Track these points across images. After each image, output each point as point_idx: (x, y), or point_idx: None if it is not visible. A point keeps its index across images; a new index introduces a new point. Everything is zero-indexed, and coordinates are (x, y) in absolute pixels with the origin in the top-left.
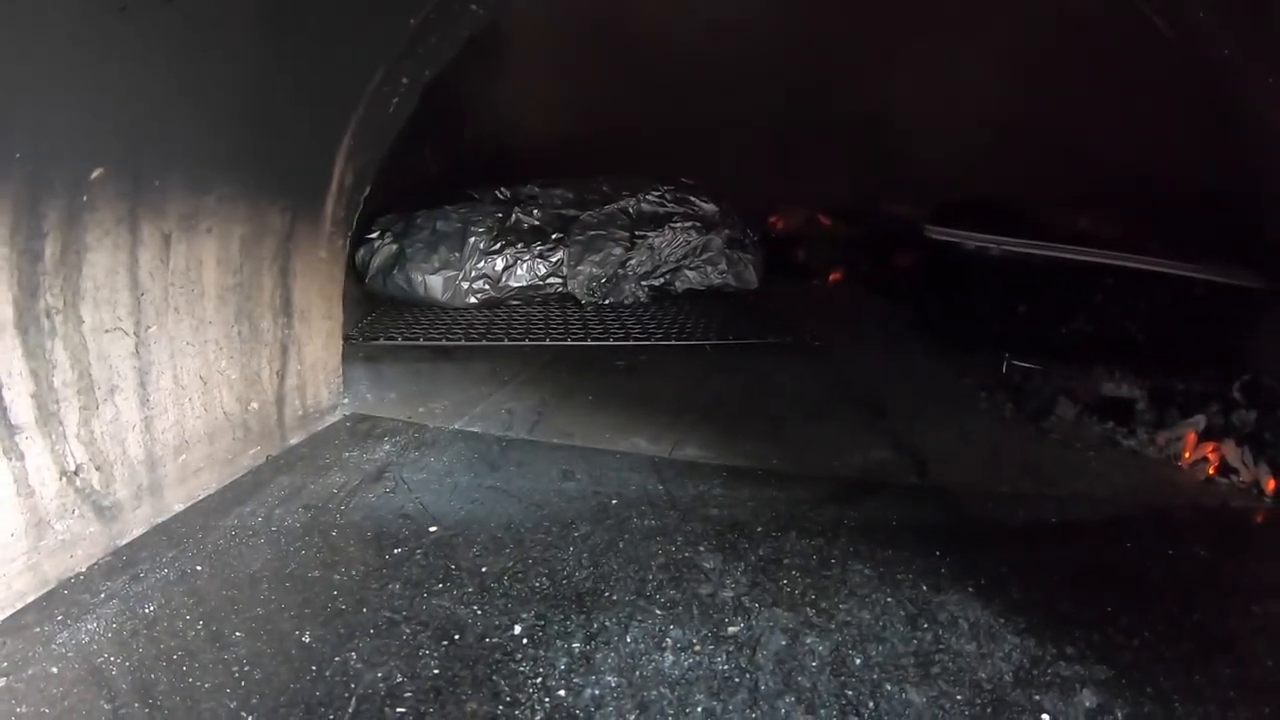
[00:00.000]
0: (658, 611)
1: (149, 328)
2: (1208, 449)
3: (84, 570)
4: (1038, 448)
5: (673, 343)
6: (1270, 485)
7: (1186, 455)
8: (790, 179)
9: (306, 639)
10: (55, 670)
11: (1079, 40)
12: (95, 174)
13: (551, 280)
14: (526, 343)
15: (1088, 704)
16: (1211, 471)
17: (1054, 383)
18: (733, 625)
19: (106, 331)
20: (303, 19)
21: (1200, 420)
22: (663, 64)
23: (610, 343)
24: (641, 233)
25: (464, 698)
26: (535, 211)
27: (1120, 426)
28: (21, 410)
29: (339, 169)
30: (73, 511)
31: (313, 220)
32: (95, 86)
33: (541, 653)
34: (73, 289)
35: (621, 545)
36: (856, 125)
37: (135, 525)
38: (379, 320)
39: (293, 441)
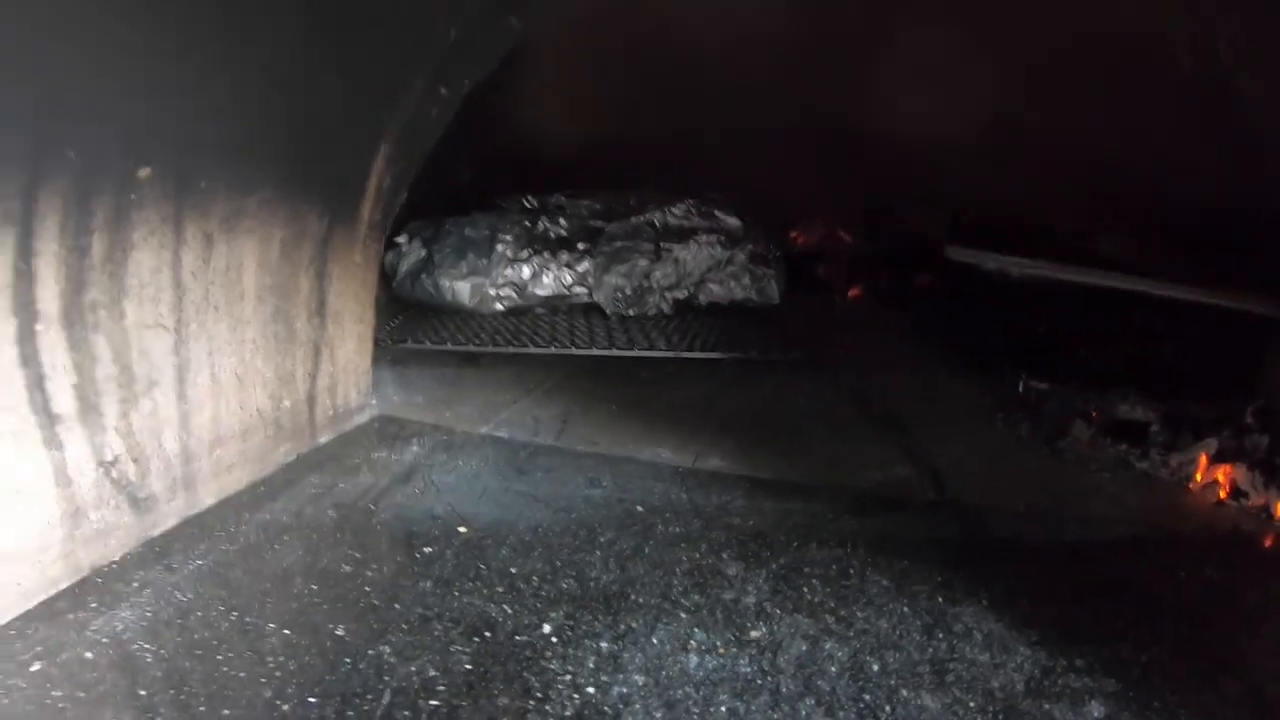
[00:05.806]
0: (682, 615)
1: (189, 325)
2: (1219, 472)
3: (118, 559)
4: (1052, 467)
5: (695, 355)
6: None
7: (1198, 478)
8: (811, 192)
9: (340, 632)
10: (89, 655)
11: (1100, 58)
12: (143, 173)
13: (577, 289)
14: (551, 350)
15: (1096, 715)
16: (1223, 495)
17: (1069, 404)
18: (755, 630)
19: (148, 328)
20: (345, 25)
21: (1212, 444)
22: (689, 78)
23: (634, 353)
24: (667, 245)
25: (496, 692)
26: (562, 221)
27: (1134, 448)
28: (63, 401)
29: (377, 174)
30: (108, 502)
31: (349, 224)
32: (146, 88)
33: (571, 651)
34: (118, 285)
35: (647, 551)
36: (876, 139)
37: (168, 517)
38: (406, 324)
39: (322, 440)
